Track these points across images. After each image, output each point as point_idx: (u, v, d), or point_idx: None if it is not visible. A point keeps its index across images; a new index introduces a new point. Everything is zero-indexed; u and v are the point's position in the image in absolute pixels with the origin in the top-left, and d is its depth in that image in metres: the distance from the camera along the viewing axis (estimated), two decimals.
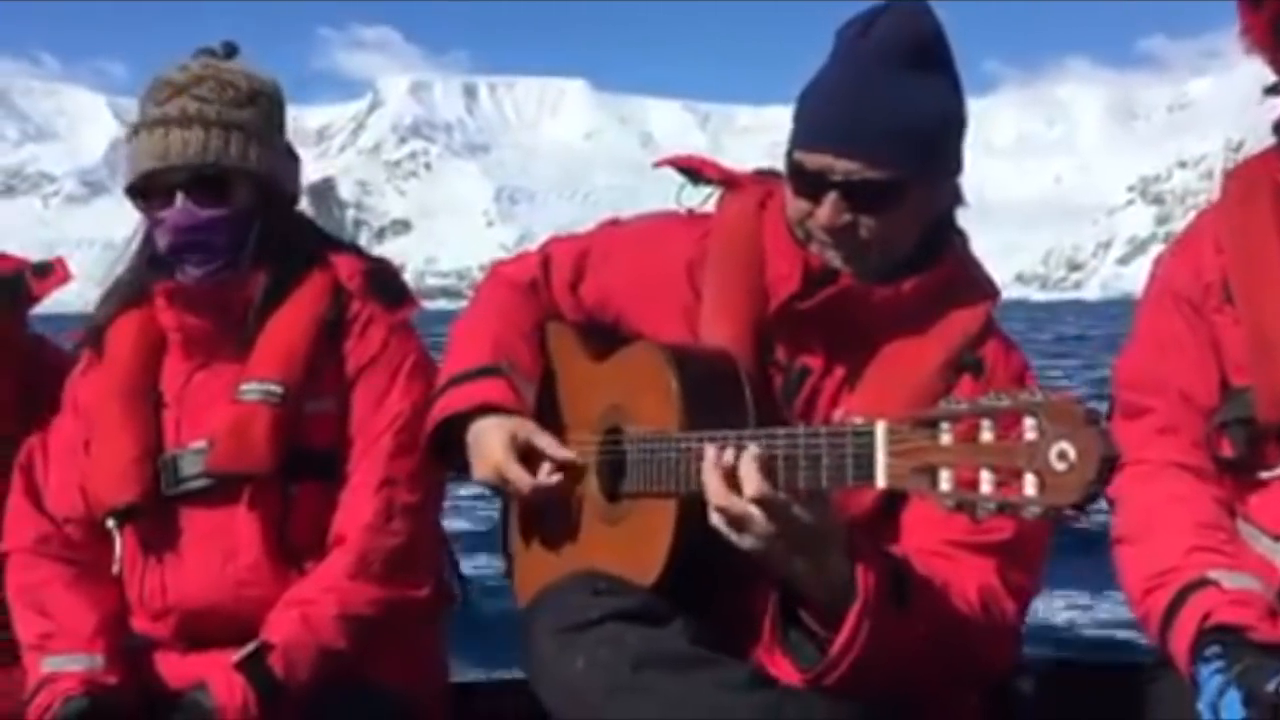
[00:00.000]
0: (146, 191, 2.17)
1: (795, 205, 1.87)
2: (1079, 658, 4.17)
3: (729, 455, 1.60)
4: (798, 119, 1.88)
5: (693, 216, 2.08)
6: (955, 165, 1.91)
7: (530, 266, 2.17)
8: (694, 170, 2.10)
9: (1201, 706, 1.63)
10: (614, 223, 2.20)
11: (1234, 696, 1.60)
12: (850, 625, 1.61)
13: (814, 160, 1.82)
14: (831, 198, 1.81)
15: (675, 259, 2.01)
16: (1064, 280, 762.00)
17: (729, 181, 2.07)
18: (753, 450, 1.57)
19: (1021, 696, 2.07)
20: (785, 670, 1.74)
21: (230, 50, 2.25)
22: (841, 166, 1.80)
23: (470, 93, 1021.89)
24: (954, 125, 1.87)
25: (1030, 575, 1.84)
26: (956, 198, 1.96)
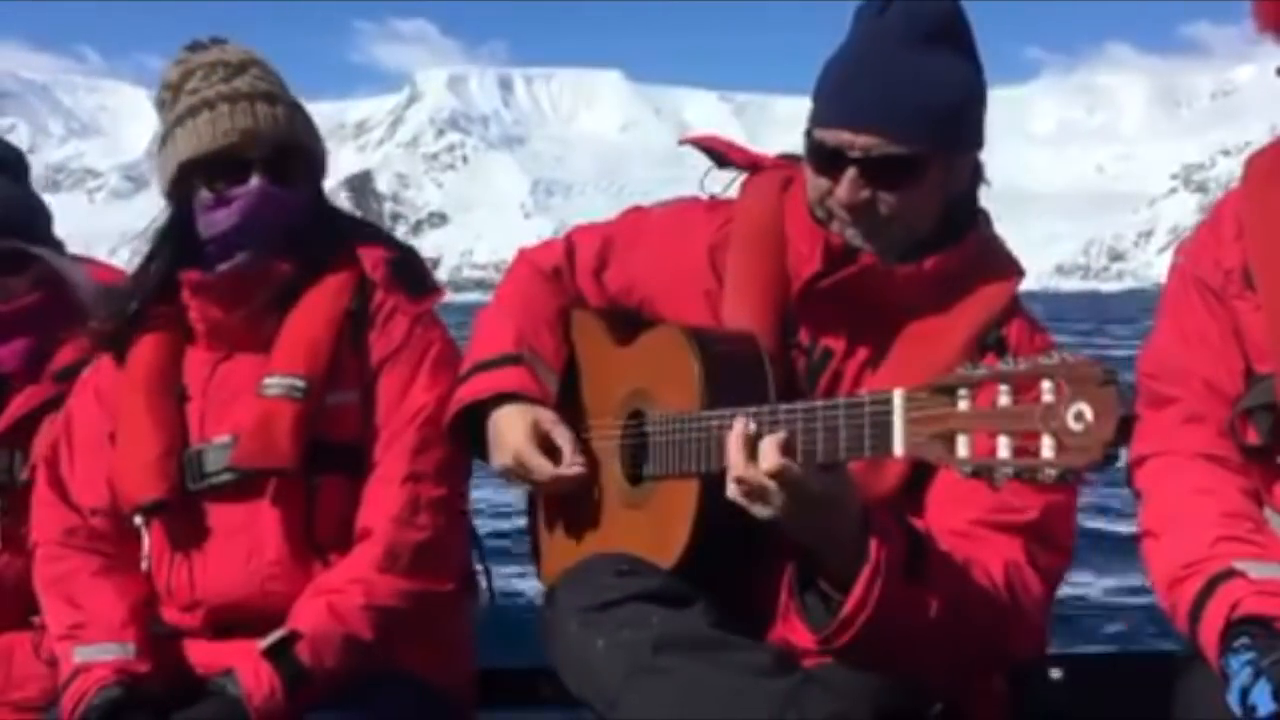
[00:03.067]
0: (211, 171, 2.13)
1: (815, 183, 1.88)
2: (1109, 649, 4.11)
3: (753, 427, 1.60)
4: (816, 97, 1.88)
5: (715, 202, 2.09)
6: (975, 140, 1.91)
7: (555, 253, 2.18)
8: (719, 153, 2.11)
9: (1230, 698, 1.61)
10: (637, 210, 2.21)
11: (1264, 687, 1.58)
12: (861, 587, 1.60)
13: (832, 136, 1.83)
14: (850, 174, 1.82)
15: (698, 244, 2.03)
16: (1106, 270, 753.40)
17: (753, 165, 2.08)
18: (780, 431, 1.57)
19: (1051, 687, 2.06)
20: (800, 634, 1.74)
21: (222, 41, 2.24)
22: (860, 142, 1.80)
23: (506, 85, 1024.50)
24: (972, 100, 1.88)
25: (1058, 556, 1.83)
26: (977, 175, 1.95)
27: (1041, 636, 1.90)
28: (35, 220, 2.54)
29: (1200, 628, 1.72)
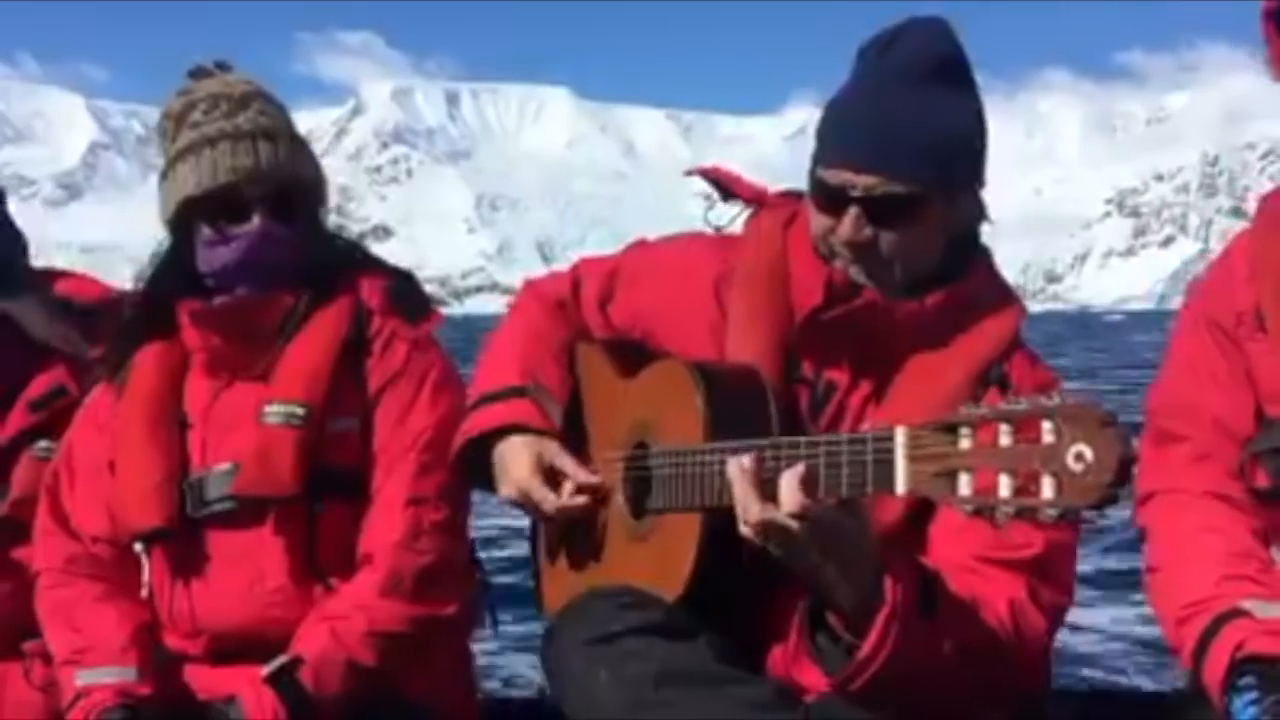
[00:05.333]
0: (212, 208, 2.15)
1: (818, 221, 1.90)
2: (1114, 686, 4.12)
3: (747, 463, 1.61)
4: (820, 136, 1.91)
5: (720, 236, 2.11)
6: (976, 180, 1.93)
7: (561, 285, 2.20)
8: (724, 185, 2.13)
9: None
10: (643, 243, 2.23)
11: None
12: (878, 630, 1.60)
13: (835, 176, 1.85)
14: (852, 212, 1.84)
15: (703, 278, 2.04)
16: (1042, 292, 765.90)
17: (758, 200, 2.10)
18: (799, 466, 1.57)
19: None
20: (812, 677, 1.74)
21: (226, 67, 2.26)
22: (862, 181, 1.82)
23: (452, 99, 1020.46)
24: (974, 140, 1.90)
25: (1061, 592, 1.83)
26: (980, 213, 1.97)
27: (1044, 673, 1.91)
28: (4, 265, 2.52)
29: (1205, 666, 1.71)
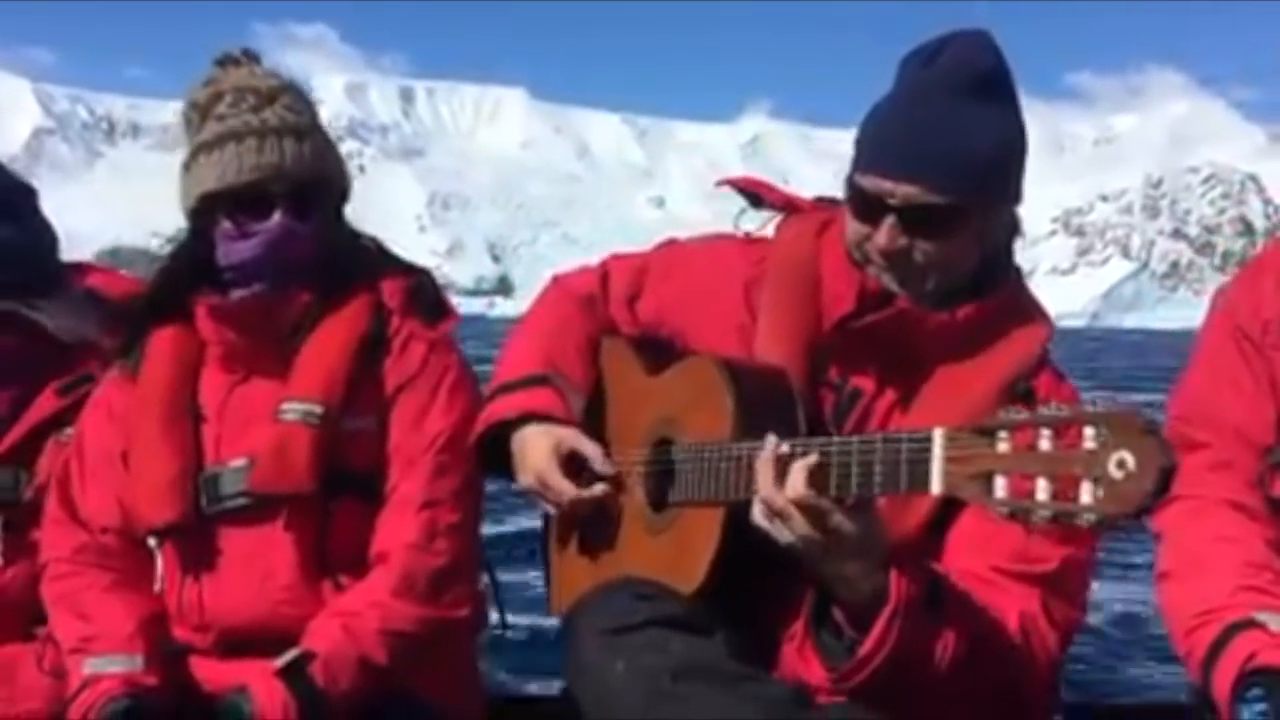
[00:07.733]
0: (233, 203, 2.13)
1: (854, 228, 1.90)
2: (1118, 699, 4.14)
3: (785, 449, 1.62)
4: (859, 144, 1.91)
5: (751, 239, 2.11)
6: (1014, 193, 1.93)
7: (589, 280, 2.20)
8: (756, 194, 2.13)
9: None
10: (673, 241, 2.24)
11: None
12: (880, 628, 1.62)
13: (873, 184, 1.85)
14: (889, 221, 1.84)
15: (733, 279, 2.05)
16: None
17: (790, 206, 2.10)
18: (812, 456, 1.59)
19: None
20: (813, 669, 1.75)
21: (254, 57, 2.25)
22: (900, 191, 1.83)
23: (407, 96, 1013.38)
24: (1013, 154, 1.90)
25: (1074, 608, 1.84)
26: (1015, 228, 1.98)
27: (1053, 689, 1.91)
28: (36, 265, 2.50)
29: (1214, 675, 1.72)
